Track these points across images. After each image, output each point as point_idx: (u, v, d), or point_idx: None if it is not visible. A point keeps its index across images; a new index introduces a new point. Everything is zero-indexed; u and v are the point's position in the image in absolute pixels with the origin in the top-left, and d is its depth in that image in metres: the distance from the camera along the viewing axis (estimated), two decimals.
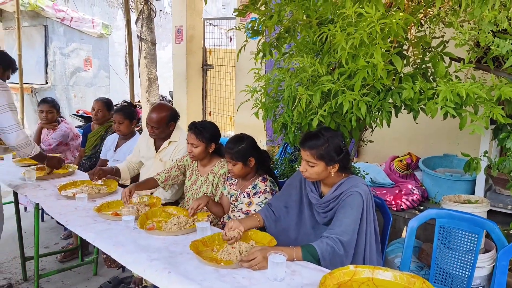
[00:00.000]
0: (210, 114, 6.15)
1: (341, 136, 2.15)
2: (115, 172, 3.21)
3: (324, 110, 2.30)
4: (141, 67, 5.38)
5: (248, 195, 2.48)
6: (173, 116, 3.14)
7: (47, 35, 7.10)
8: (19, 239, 3.31)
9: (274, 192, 2.46)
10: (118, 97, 7.16)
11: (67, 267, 3.29)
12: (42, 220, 4.45)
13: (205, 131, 2.74)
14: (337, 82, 2.29)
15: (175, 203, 3.10)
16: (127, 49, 10.43)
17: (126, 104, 3.86)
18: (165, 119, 3.07)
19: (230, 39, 5.62)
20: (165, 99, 7.35)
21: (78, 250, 3.53)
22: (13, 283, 3.16)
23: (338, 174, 2.07)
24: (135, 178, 3.47)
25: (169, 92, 8.11)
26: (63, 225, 4.04)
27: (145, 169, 3.26)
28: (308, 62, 2.39)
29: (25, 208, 4.64)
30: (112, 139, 3.73)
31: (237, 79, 5.27)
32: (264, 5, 2.79)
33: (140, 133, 3.63)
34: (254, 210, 2.40)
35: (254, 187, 2.47)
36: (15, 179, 3.14)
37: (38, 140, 4.18)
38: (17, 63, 4.04)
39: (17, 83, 6.26)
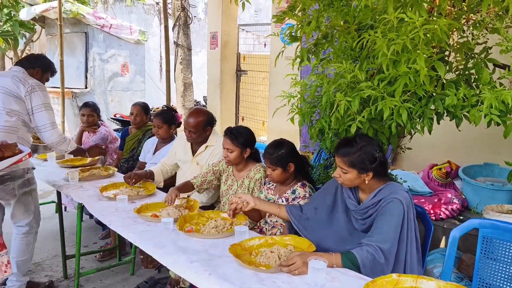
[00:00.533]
0: (243, 119, 6.20)
1: (376, 145, 2.13)
2: (149, 175, 3.28)
3: (363, 117, 2.29)
4: (177, 72, 5.50)
5: (287, 200, 2.49)
6: (210, 121, 3.19)
7: (87, 42, 7.36)
8: (61, 238, 3.43)
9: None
10: (152, 102, 7.33)
11: (106, 266, 3.38)
12: (81, 220, 4.59)
13: (240, 136, 2.77)
14: (377, 88, 2.28)
15: (211, 206, 3.15)
16: (161, 55, 10.72)
17: (166, 108, 3.97)
18: (202, 124, 3.12)
19: (265, 45, 5.66)
20: (199, 104, 7.47)
21: (116, 250, 3.62)
22: (54, 281, 3.27)
23: (376, 181, 2.06)
24: (168, 181, 3.54)
25: (203, 97, 8.23)
26: (101, 225, 4.21)
27: (182, 172, 3.32)
28: (347, 68, 2.39)
29: (65, 208, 4.78)
30: (151, 142, 3.82)
31: (271, 85, 5.29)
32: (302, 11, 2.81)
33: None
34: None
35: (293, 192, 2.48)
36: (59, 179, 3.26)
37: (79, 142, 4.32)
38: (58, 68, 4.19)
39: (59, 88, 6.50)
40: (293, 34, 2.84)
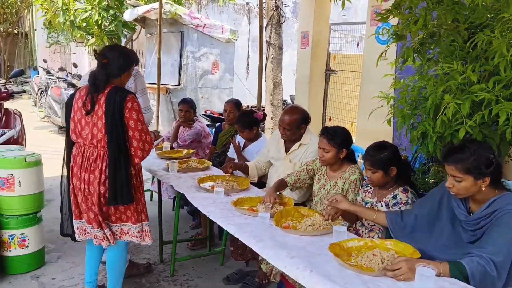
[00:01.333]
0: (330, 119, 6.14)
1: (488, 147, 1.99)
2: (244, 168, 3.40)
3: (475, 121, 2.16)
4: (268, 71, 5.59)
5: (387, 204, 2.43)
6: (305, 119, 3.21)
7: (182, 41, 7.75)
8: (159, 224, 3.65)
9: (415, 204, 2.37)
10: (238, 99, 7.52)
11: (198, 255, 3.55)
12: (173, 209, 4.87)
13: (337, 137, 2.75)
14: (492, 91, 2.14)
15: (302, 204, 3.16)
16: (249, 54, 10.96)
17: (243, 113, 3.97)
18: (297, 122, 3.15)
19: (357, 44, 5.55)
20: (286, 102, 7.52)
21: (207, 241, 3.78)
22: (151, 263, 3.50)
23: (490, 190, 1.92)
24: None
25: (290, 96, 8.27)
26: (192, 215, 4.43)
27: (274, 169, 3.37)
28: (459, 69, 2.27)
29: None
30: (239, 139, 3.94)
31: (362, 85, 5.18)
32: (408, 9, 2.71)
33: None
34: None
35: (394, 197, 2.41)
36: (159, 169, 3.48)
37: (175, 136, 4.57)
38: (155, 65, 4.47)
39: (155, 84, 6.92)
40: (398, 33, 2.75)
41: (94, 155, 2.51)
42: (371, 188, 2.58)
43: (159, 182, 3.70)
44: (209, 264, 3.58)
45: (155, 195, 5.17)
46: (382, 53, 2.83)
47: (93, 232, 2.61)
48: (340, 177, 2.80)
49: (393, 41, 2.75)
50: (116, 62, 2.52)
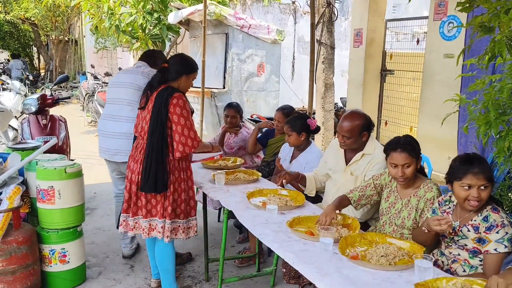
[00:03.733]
0: (386, 123, 5.67)
1: None
2: (301, 179, 3.05)
3: None
4: (318, 72, 5.21)
5: (476, 229, 1.99)
6: (367, 126, 2.83)
7: (227, 42, 7.51)
8: (205, 240, 3.38)
9: None
10: (284, 103, 7.19)
11: (248, 276, 3.24)
12: (218, 220, 4.60)
13: (414, 145, 2.39)
14: None
15: (364, 223, 2.78)
16: (294, 55, 10.60)
17: (296, 115, 3.62)
18: (358, 129, 2.78)
19: (418, 41, 5.06)
20: (337, 105, 7.10)
21: (256, 258, 3.47)
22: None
23: None
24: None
25: (340, 98, 7.84)
26: (239, 229, 4.13)
27: (332, 182, 3.01)
28: None
29: (202, 206, 4.83)
30: (287, 148, 3.58)
31: (424, 86, 4.70)
32: None
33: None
34: (495, 250, 1.91)
35: (485, 219, 1.97)
36: (205, 181, 3.20)
37: (221, 143, 4.30)
38: (200, 68, 4.42)
39: (199, 87, 6.72)
40: (484, 24, 2.32)
41: (141, 147, 2.75)
42: (450, 208, 2.15)
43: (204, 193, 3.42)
44: (259, 285, 3.26)
45: (199, 205, 4.93)
46: (462, 51, 2.40)
47: (139, 223, 2.77)
48: (414, 195, 2.40)
49: (480, 34, 2.32)
50: (174, 66, 2.77)
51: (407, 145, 2.33)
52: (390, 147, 2.39)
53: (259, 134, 4.21)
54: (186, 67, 2.80)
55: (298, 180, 3.03)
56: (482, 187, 1.94)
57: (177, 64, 2.78)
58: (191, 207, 2.84)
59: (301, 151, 3.46)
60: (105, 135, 3.39)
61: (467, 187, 1.97)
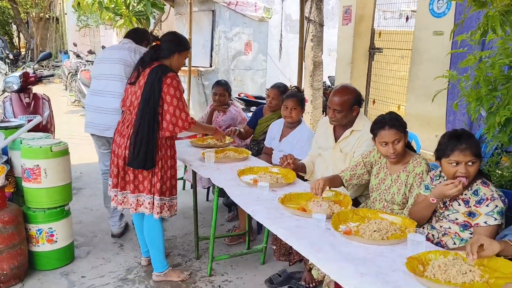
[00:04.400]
0: (374, 102, 5.67)
1: None
2: (301, 168, 3.01)
3: None
4: (307, 50, 5.16)
5: (467, 203, 2.01)
6: (358, 100, 2.82)
7: (214, 20, 7.37)
8: (195, 219, 3.37)
9: (503, 198, 1.95)
10: (271, 81, 7.14)
11: (238, 253, 3.24)
12: (207, 200, 4.59)
13: (401, 121, 2.40)
14: None
15: (355, 200, 2.79)
16: (282, 33, 10.48)
17: (297, 89, 3.68)
18: (349, 102, 2.76)
19: (407, 18, 5.03)
20: (325, 84, 7.07)
21: (246, 236, 3.47)
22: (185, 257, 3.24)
23: None
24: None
25: (328, 77, 7.81)
26: (227, 207, 4.12)
27: (322, 160, 3.00)
28: None
29: (191, 185, 4.79)
30: (276, 127, 3.56)
31: (413, 64, 4.70)
32: None
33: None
34: (485, 223, 1.93)
35: (475, 193, 1.99)
36: (194, 160, 3.17)
37: (210, 121, 4.26)
38: None
39: (186, 66, 6.62)
40: None
41: (128, 121, 2.74)
42: (441, 183, 2.15)
43: (194, 172, 3.39)
44: (249, 262, 3.27)
45: (188, 184, 4.91)
46: (455, 26, 2.38)
47: (128, 198, 2.78)
48: (403, 170, 2.41)
49: (473, 9, 2.30)
50: (166, 44, 2.75)
51: (393, 121, 2.33)
52: (377, 126, 2.38)
53: (249, 117, 4.18)
54: (178, 45, 2.78)
55: (298, 170, 2.98)
56: (470, 163, 1.95)
57: (169, 41, 2.76)
58: (173, 186, 2.84)
59: (292, 128, 3.44)
60: (94, 110, 3.34)
61: (454, 164, 1.98)
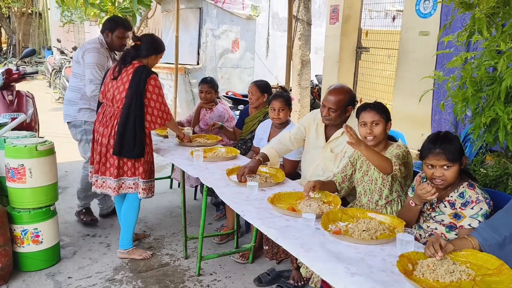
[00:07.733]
0: (360, 100, 5.69)
1: None
2: (263, 162, 2.96)
3: None
4: (295, 48, 5.16)
5: (453, 205, 2.04)
6: (352, 100, 2.84)
7: (201, 17, 7.32)
8: (183, 218, 3.35)
9: (488, 200, 1.98)
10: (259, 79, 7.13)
11: (226, 253, 3.24)
12: (195, 198, 4.57)
13: (386, 110, 2.45)
14: None
15: (343, 200, 2.79)
16: (269, 31, 10.45)
17: (283, 90, 3.67)
18: (344, 102, 2.77)
19: (393, 18, 5.08)
20: (312, 83, 7.10)
21: (234, 235, 3.47)
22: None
23: None
24: (295, 164, 3.28)
25: (315, 76, 7.83)
26: (215, 206, 4.11)
27: (310, 158, 3.00)
28: None
29: (178, 184, 4.77)
30: (264, 127, 3.55)
31: (399, 64, 4.74)
32: None
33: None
34: (469, 225, 1.97)
35: (461, 195, 2.02)
36: (182, 159, 3.15)
37: (197, 119, 4.24)
38: (173, 44, 4.33)
39: (173, 64, 6.56)
40: (464, 0, 2.33)
41: (111, 113, 3.02)
42: (428, 183, 2.18)
43: (182, 171, 3.37)
44: (238, 261, 3.27)
45: (175, 183, 4.88)
46: (444, 26, 2.41)
47: (106, 183, 3.03)
48: None
49: (461, 11, 2.33)
50: (146, 45, 3.07)
51: (376, 104, 2.40)
52: (360, 109, 2.44)
53: (237, 118, 4.16)
54: (156, 48, 3.12)
55: (261, 164, 2.85)
56: (445, 167, 1.98)
57: (148, 43, 3.09)
58: (152, 170, 3.14)
59: (280, 129, 3.43)
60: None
61: (430, 167, 2.02)
